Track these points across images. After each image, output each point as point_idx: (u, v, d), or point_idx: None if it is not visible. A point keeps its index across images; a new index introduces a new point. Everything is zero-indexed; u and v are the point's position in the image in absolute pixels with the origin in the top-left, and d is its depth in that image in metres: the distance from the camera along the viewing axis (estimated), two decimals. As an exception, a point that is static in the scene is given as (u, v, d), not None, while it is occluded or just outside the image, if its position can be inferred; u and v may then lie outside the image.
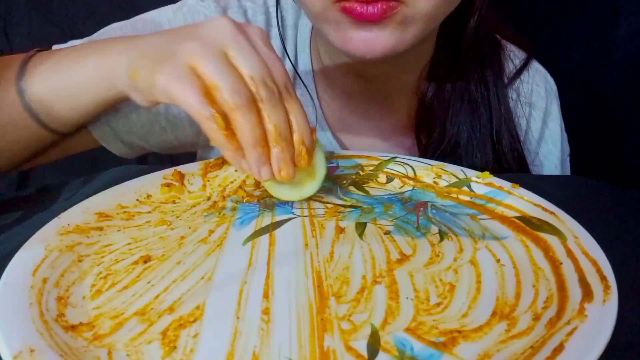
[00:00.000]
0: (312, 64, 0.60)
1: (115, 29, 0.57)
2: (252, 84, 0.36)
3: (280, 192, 0.44)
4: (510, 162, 0.60)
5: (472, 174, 0.47)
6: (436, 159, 0.55)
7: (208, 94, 0.35)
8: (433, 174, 0.48)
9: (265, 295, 0.32)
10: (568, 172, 0.66)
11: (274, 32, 0.59)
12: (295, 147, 0.39)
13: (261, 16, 0.59)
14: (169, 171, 0.46)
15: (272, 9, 0.60)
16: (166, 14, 0.58)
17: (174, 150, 0.62)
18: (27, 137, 0.48)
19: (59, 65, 0.45)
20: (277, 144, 0.37)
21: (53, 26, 0.87)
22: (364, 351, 0.27)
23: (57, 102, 0.46)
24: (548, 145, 0.64)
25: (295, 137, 0.39)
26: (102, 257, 0.35)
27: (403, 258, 0.36)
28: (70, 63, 0.45)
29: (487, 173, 0.46)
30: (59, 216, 0.38)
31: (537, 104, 0.63)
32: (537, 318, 0.30)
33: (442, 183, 0.47)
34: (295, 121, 0.38)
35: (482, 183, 0.45)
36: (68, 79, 0.45)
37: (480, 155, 0.58)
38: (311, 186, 0.43)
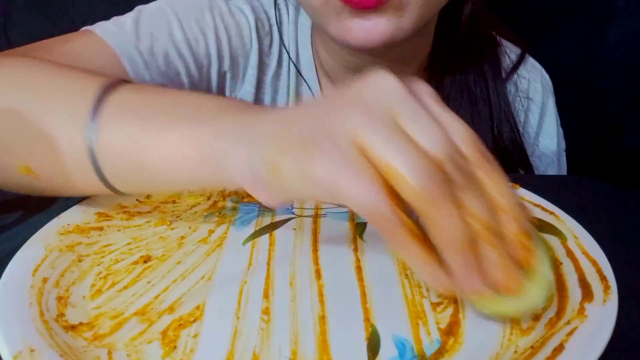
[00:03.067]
0: (314, 62, 0.60)
1: (150, 9, 0.54)
2: (440, 163, 0.25)
3: (495, 307, 0.28)
4: (511, 155, 0.60)
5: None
6: None
7: (389, 186, 0.25)
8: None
9: (265, 295, 0.32)
10: (564, 167, 0.67)
11: (284, 28, 0.59)
12: (512, 239, 0.27)
13: (273, 12, 0.59)
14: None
15: (281, 5, 0.60)
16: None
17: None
18: (84, 188, 0.37)
19: (145, 125, 0.33)
20: (490, 243, 0.26)
21: (53, 26, 0.86)
22: (364, 351, 0.27)
23: (137, 175, 0.34)
24: (545, 139, 0.65)
25: (511, 225, 0.27)
26: (102, 257, 0.35)
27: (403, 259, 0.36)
28: (161, 127, 0.33)
29: (487, 173, 0.46)
30: (59, 216, 0.38)
31: (534, 99, 0.64)
32: (536, 318, 0.29)
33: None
34: (505, 201, 0.27)
35: (482, 183, 0.45)
36: (156, 151, 0.32)
37: None
38: (536, 289, 0.28)
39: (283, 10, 0.60)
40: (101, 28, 0.51)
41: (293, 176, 0.27)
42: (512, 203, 0.27)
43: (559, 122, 0.66)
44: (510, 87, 0.62)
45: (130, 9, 0.59)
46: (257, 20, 0.58)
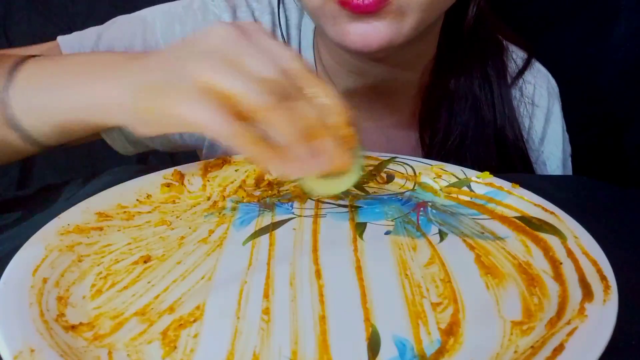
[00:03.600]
0: (315, 63, 0.60)
1: (123, 22, 0.57)
2: (271, 85, 0.33)
3: (318, 187, 0.39)
4: (515, 161, 0.60)
5: (472, 174, 0.47)
6: (440, 158, 0.55)
7: (232, 109, 0.32)
8: (433, 174, 0.48)
9: (265, 295, 0.32)
10: (570, 172, 0.67)
11: (279, 32, 0.59)
12: (339, 132, 0.35)
13: (267, 16, 0.59)
14: (169, 171, 0.46)
15: (277, 10, 0.60)
16: (176, 9, 0.58)
17: (177, 149, 0.62)
18: (12, 149, 0.44)
19: (46, 85, 0.42)
20: (321, 134, 0.34)
21: (53, 26, 0.86)
22: (364, 351, 0.27)
23: (42, 124, 0.42)
24: (550, 145, 0.65)
25: (337, 120, 0.35)
26: (102, 257, 0.35)
27: (403, 258, 0.36)
28: (58, 86, 0.41)
29: (487, 173, 0.46)
30: (59, 216, 0.38)
31: (539, 104, 0.64)
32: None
33: (442, 183, 0.47)
34: (332, 104, 0.35)
35: (482, 183, 0.45)
36: (54, 104, 0.41)
37: (484, 153, 0.59)
38: (350, 176, 0.38)
39: (281, 15, 0.60)
40: (65, 38, 0.56)
41: (159, 115, 0.34)
42: (336, 103, 0.34)
43: (564, 127, 0.66)
44: (515, 93, 0.62)
45: (130, 9, 0.59)
46: None
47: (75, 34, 0.57)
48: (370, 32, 0.45)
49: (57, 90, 0.41)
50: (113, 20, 0.58)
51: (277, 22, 0.60)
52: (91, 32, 0.57)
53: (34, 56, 0.44)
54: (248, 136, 0.32)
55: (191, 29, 0.57)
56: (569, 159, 0.67)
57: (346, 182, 0.39)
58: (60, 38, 0.56)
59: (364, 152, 0.39)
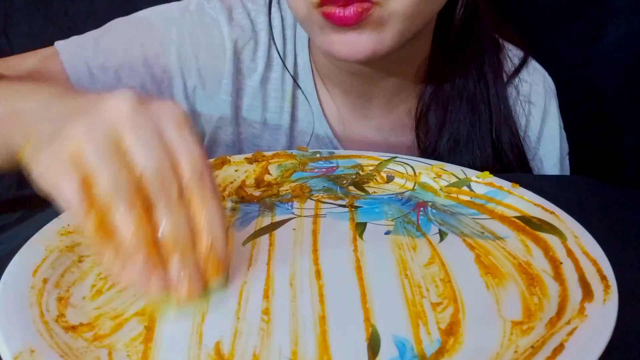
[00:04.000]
0: (311, 63, 0.60)
1: (120, 26, 0.57)
2: (145, 180, 0.29)
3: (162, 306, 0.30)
4: (510, 159, 0.60)
5: (472, 173, 0.47)
6: (436, 157, 0.55)
7: (88, 188, 0.28)
8: (433, 174, 0.48)
9: (265, 295, 0.32)
10: (567, 170, 0.67)
11: (276, 32, 0.59)
12: (202, 255, 0.30)
13: (263, 17, 0.59)
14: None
15: (273, 9, 0.60)
16: (172, 12, 0.58)
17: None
18: None
19: None
20: (172, 253, 0.29)
21: (53, 26, 0.86)
22: (364, 351, 0.27)
23: None
24: (547, 143, 0.65)
25: (204, 242, 0.30)
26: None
27: (403, 258, 0.36)
28: None
29: (487, 173, 0.46)
30: (59, 216, 0.38)
31: (536, 103, 0.64)
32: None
33: (442, 183, 0.47)
34: (206, 223, 0.30)
35: (482, 183, 0.45)
36: None
37: (480, 152, 0.59)
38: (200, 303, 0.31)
39: (276, 14, 0.60)
40: (62, 45, 0.56)
41: (27, 163, 0.32)
42: (211, 224, 0.30)
43: (562, 125, 0.66)
44: (512, 91, 0.62)
45: (130, 9, 0.59)
46: (232, 29, 0.58)
47: (73, 39, 0.57)
48: (353, 43, 0.47)
49: None
50: (110, 24, 0.58)
51: (273, 23, 0.60)
52: (88, 37, 0.57)
53: None
54: (92, 221, 0.28)
55: (188, 32, 0.57)
56: (567, 157, 0.67)
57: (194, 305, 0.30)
58: (58, 44, 0.56)
59: (226, 281, 0.32)
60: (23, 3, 0.88)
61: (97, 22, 0.59)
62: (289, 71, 0.60)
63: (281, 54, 0.59)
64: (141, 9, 0.59)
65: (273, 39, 0.59)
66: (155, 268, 0.28)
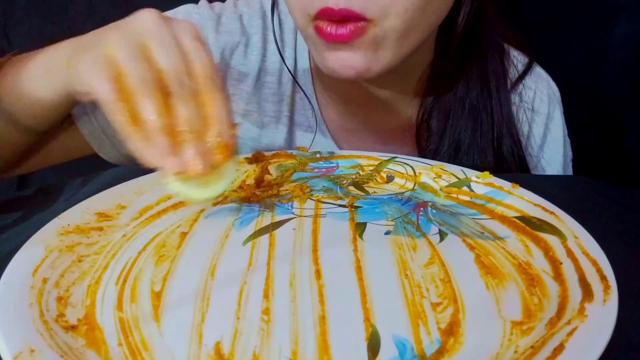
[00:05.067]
0: (310, 68, 0.60)
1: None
2: (165, 77, 0.34)
3: (183, 191, 0.36)
4: (512, 168, 0.59)
5: (472, 173, 0.47)
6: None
7: (119, 82, 0.34)
8: (433, 174, 0.48)
9: (265, 295, 0.32)
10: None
11: (271, 35, 0.59)
12: (211, 140, 0.35)
13: (258, 20, 0.59)
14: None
15: (269, 13, 0.60)
16: None
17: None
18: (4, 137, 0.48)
19: (19, 68, 0.47)
20: (186, 136, 0.34)
21: (53, 26, 0.86)
22: (364, 351, 0.27)
23: (20, 103, 0.46)
24: (551, 150, 0.64)
25: (214, 127, 0.35)
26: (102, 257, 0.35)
27: (403, 258, 0.36)
28: (26, 65, 0.46)
29: (487, 173, 0.46)
30: (59, 216, 0.38)
31: (539, 110, 0.63)
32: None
33: (442, 183, 0.47)
34: (214, 113, 0.35)
35: (482, 183, 0.45)
36: (23, 81, 0.46)
37: (481, 160, 0.58)
38: (216, 187, 0.36)
39: (274, 18, 0.59)
40: None
41: (72, 71, 0.39)
42: (218, 114, 0.35)
43: (566, 132, 0.65)
44: (515, 98, 0.61)
45: (130, 9, 0.59)
46: (220, 35, 0.58)
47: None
48: (346, 61, 0.46)
49: (24, 70, 0.46)
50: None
51: (269, 26, 0.59)
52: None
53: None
54: (121, 108, 0.33)
55: None
56: (570, 164, 0.66)
57: (210, 192, 0.36)
58: None
59: (236, 165, 0.38)
60: (23, 3, 0.88)
61: (97, 22, 0.58)
62: (292, 74, 0.59)
63: (282, 58, 0.59)
64: (142, 8, 0.59)
65: (276, 41, 0.59)
66: (173, 147, 0.33)
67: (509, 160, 0.59)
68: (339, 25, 0.43)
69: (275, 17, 0.59)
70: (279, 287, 0.32)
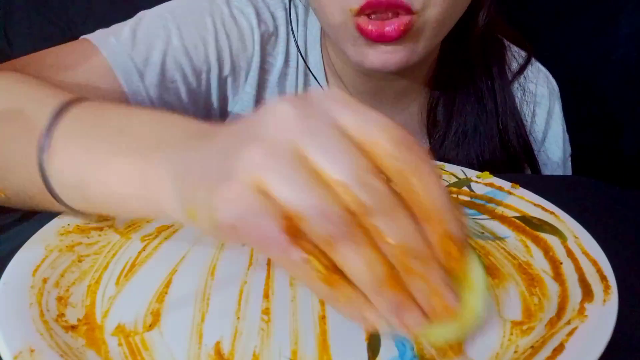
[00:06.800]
0: (322, 62, 0.60)
1: (151, 15, 0.54)
2: (349, 192, 0.23)
3: (441, 331, 0.26)
4: (517, 150, 0.60)
5: (472, 174, 0.47)
6: (444, 150, 0.56)
7: (290, 226, 0.23)
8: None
9: (265, 295, 0.32)
10: (569, 172, 0.67)
11: (293, 27, 0.59)
12: (440, 245, 0.24)
13: (281, 12, 0.59)
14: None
15: (288, 6, 0.60)
16: (202, 3, 0.56)
17: None
18: (46, 207, 0.37)
19: (88, 152, 0.33)
20: (413, 272, 0.23)
21: (53, 26, 0.87)
22: (364, 351, 0.27)
23: (85, 201, 0.34)
24: (551, 145, 0.65)
25: (436, 231, 0.24)
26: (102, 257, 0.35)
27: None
28: (102, 156, 0.32)
29: (487, 173, 0.46)
30: (59, 216, 0.38)
31: (541, 103, 0.64)
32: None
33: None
34: (433, 205, 0.24)
35: (482, 183, 0.45)
36: (97, 181, 0.32)
37: (488, 143, 0.59)
38: (475, 301, 0.26)
39: (292, 10, 0.60)
40: (98, 38, 0.51)
41: (205, 221, 0.25)
42: (440, 207, 0.24)
43: (565, 128, 0.66)
44: (517, 92, 0.63)
45: (129, 9, 0.59)
46: (260, 21, 0.57)
47: (102, 32, 0.52)
48: (388, 56, 0.46)
49: (101, 168, 0.32)
50: (140, 16, 0.55)
51: (289, 19, 0.60)
52: (123, 30, 0.52)
53: (80, 99, 0.36)
54: (316, 267, 0.23)
55: (220, 21, 0.55)
56: (569, 159, 0.67)
57: (471, 315, 0.26)
58: (90, 37, 0.51)
59: (482, 269, 0.26)
60: (23, 3, 0.88)
61: (97, 22, 0.58)
62: (308, 67, 0.59)
63: (299, 50, 0.59)
64: (142, 8, 0.59)
65: (294, 34, 0.59)
66: (405, 298, 0.24)
67: (515, 143, 0.60)
68: (386, 24, 0.44)
69: (292, 9, 0.59)
70: (279, 287, 0.32)
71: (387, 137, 0.24)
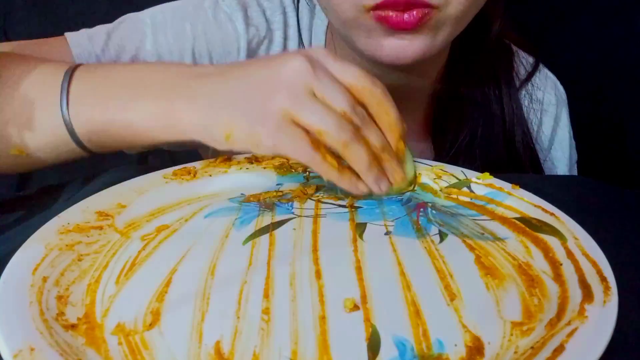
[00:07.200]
0: None
1: (132, 21, 0.56)
2: (347, 116, 0.38)
3: (392, 189, 0.44)
4: (524, 159, 0.60)
5: (472, 175, 0.47)
6: (451, 157, 0.56)
7: (314, 140, 0.38)
8: (433, 175, 0.48)
9: (265, 295, 0.32)
10: None
11: (291, 32, 0.59)
12: (395, 144, 0.41)
13: (279, 16, 0.59)
14: (168, 171, 0.46)
15: (289, 9, 0.60)
16: (186, 8, 0.57)
17: (183, 147, 0.62)
18: (65, 155, 0.46)
19: (110, 100, 0.43)
20: (384, 158, 0.41)
21: (53, 26, 0.86)
22: (364, 351, 0.27)
23: (110, 140, 0.44)
24: (557, 151, 0.65)
25: (394, 138, 0.41)
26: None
27: (403, 259, 0.36)
28: (124, 100, 0.42)
29: (487, 174, 0.46)
30: (59, 215, 0.38)
31: (548, 110, 0.64)
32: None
33: (442, 184, 0.47)
34: (391, 121, 0.40)
35: (482, 184, 0.45)
36: (123, 122, 0.42)
37: (494, 152, 0.59)
38: (408, 173, 0.45)
39: (291, 14, 0.59)
40: (74, 37, 0.54)
41: (242, 141, 0.39)
42: (392, 120, 0.40)
43: (572, 134, 0.66)
44: (525, 99, 0.62)
45: (130, 9, 0.59)
46: (248, 26, 0.57)
47: (83, 31, 0.56)
48: (406, 47, 0.46)
49: (124, 108, 0.42)
50: (121, 20, 0.57)
51: (289, 22, 0.59)
52: (100, 31, 0.55)
53: (79, 65, 0.45)
54: (332, 163, 0.39)
55: (202, 29, 0.56)
56: (575, 165, 0.67)
57: (403, 185, 0.45)
58: (68, 35, 0.55)
59: (413, 156, 0.46)
60: (23, 3, 0.88)
61: (97, 22, 0.58)
62: None
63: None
64: (141, 8, 0.59)
65: (300, 36, 0.59)
66: (381, 172, 0.41)
67: (521, 152, 0.60)
68: (406, 12, 0.44)
69: (293, 13, 0.60)
70: (279, 287, 0.32)
71: (362, 80, 0.39)
